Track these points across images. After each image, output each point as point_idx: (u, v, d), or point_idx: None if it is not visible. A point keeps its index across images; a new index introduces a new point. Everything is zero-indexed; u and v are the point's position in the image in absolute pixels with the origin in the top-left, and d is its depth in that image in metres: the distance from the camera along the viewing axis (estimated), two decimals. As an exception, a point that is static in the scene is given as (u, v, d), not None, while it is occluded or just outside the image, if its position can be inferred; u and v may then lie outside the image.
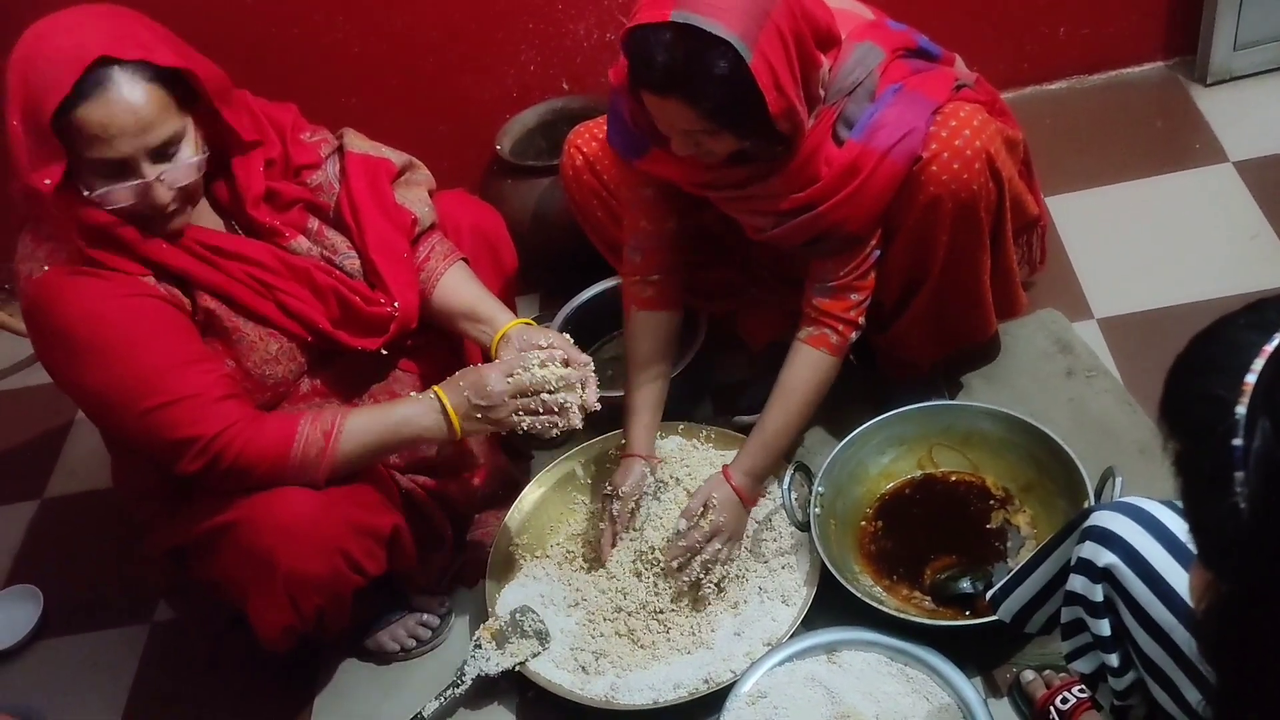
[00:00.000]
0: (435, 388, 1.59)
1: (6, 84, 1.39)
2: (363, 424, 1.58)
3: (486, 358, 1.71)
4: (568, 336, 1.66)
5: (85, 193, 1.43)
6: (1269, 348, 0.78)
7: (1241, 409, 0.77)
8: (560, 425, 1.60)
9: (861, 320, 1.75)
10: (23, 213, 1.51)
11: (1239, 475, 0.76)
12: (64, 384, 1.54)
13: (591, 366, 1.64)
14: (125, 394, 1.48)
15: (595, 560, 1.87)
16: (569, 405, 1.59)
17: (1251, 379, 0.77)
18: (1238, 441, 0.77)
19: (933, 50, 1.74)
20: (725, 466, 1.79)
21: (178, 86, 1.44)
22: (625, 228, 1.86)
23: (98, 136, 1.39)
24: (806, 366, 1.76)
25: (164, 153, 1.45)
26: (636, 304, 1.86)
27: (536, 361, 1.59)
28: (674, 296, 1.87)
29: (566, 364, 1.62)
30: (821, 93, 1.61)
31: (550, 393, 1.58)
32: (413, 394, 1.62)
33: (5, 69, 1.40)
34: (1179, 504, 1.02)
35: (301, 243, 1.66)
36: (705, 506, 1.75)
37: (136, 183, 1.44)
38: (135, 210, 1.46)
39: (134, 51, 1.40)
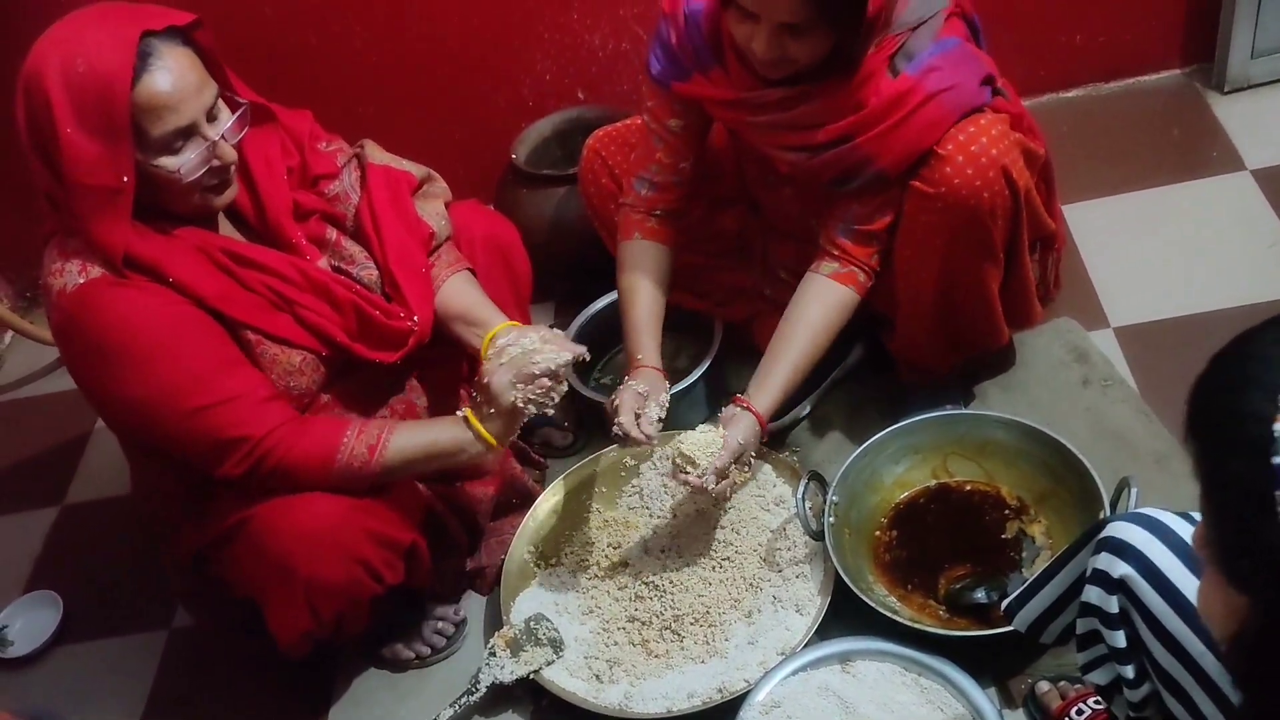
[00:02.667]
0: (466, 411, 1.61)
1: (38, 101, 1.39)
2: (406, 442, 1.59)
3: (477, 365, 1.71)
4: (559, 330, 1.66)
5: (170, 170, 1.44)
6: None
7: None
8: (556, 393, 1.59)
9: (879, 268, 1.75)
10: (49, 226, 1.52)
11: None
12: (100, 395, 1.54)
13: (587, 354, 1.65)
14: (170, 396, 1.48)
15: (610, 568, 1.87)
16: (561, 368, 1.58)
17: None
18: (1278, 460, 0.75)
19: (980, 32, 1.74)
20: (746, 400, 1.73)
21: (197, 48, 1.47)
22: (636, 159, 1.86)
23: (166, 106, 1.41)
24: (835, 302, 1.74)
25: (213, 114, 1.48)
26: (640, 231, 1.86)
27: (532, 341, 1.59)
28: (675, 236, 1.87)
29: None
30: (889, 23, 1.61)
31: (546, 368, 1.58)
32: (458, 413, 1.63)
33: (29, 91, 1.41)
34: (1195, 515, 1.01)
35: (322, 262, 1.68)
36: (739, 462, 1.70)
37: (206, 144, 1.46)
38: (210, 176, 1.49)
39: (160, 21, 1.43)
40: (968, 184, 1.62)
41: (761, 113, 1.69)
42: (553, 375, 1.59)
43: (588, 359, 1.65)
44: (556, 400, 1.62)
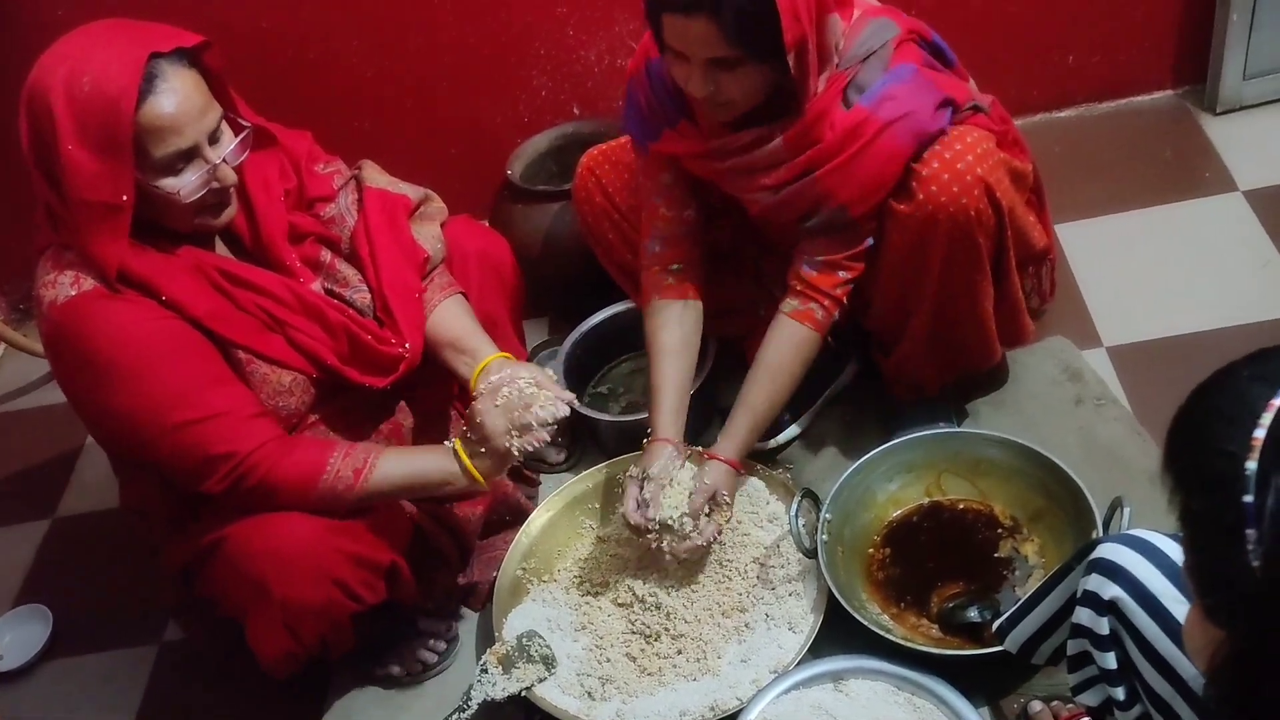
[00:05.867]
0: (456, 442, 1.61)
1: (42, 116, 1.40)
2: (392, 468, 1.59)
3: (466, 390, 1.72)
4: (550, 372, 1.67)
5: (170, 190, 1.45)
6: (1276, 401, 0.77)
7: (1252, 464, 0.76)
8: (549, 433, 1.60)
9: (845, 299, 1.76)
10: (44, 239, 1.52)
11: (1251, 532, 0.75)
12: (88, 408, 1.53)
13: (575, 401, 1.67)
14: (155, 411, 1.48)
15: (603, 584, 1.87)
16: (554, 417, 1.59)
17: (1261, 434, 0.76)
18: (1249, 498, 0.76)
19: (947, 51, 1.75)
20: (712, 451, 1.77)
21: (203, 71, 1.48)
22: (644, 220, 1.87)
23: (169, 128, 1.42)
24: (791, 342, 1.76)
25: (215, 136, 1.49)
26: (658, 293, 1.86)
27: (528, 383, 1.60)
28: (696, 285, 1.88)
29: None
30: (835, 58, 1.62)
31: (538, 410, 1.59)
32: (447, 443, 1.63)
33: (33, 104, 1.41)
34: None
35: (316, 285, 1.68)
36: (714, 502, 1.75)
37: (207, 167, 1.47)
38: (210, 196, 1.49)
39: (168, 43, 1.43)
40: (953, 199, 1.63)
41: (728, 158, 1.72)
42: (547, 425, 1.60)
43: (579, 407, 1.66)
44: (546, 443, 1.62)
